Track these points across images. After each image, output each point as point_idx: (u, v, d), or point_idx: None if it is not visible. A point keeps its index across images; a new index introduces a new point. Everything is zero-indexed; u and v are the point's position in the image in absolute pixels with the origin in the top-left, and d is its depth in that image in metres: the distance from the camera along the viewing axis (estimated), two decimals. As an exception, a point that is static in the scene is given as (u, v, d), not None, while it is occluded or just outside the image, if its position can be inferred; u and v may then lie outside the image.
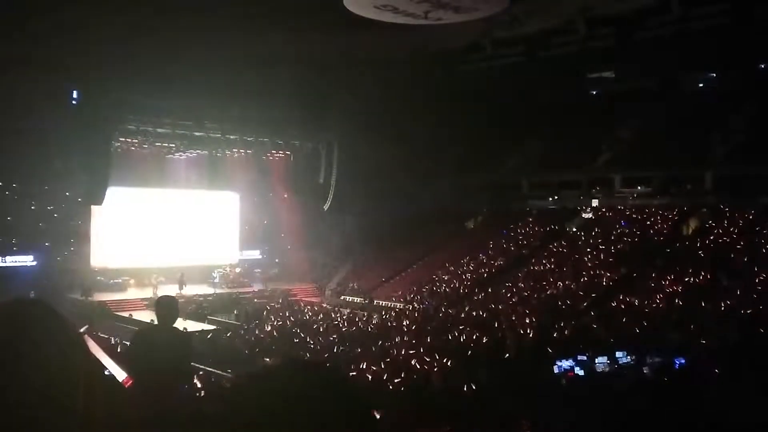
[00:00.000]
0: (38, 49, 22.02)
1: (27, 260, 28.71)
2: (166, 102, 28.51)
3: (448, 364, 13.10)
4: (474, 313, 22.20)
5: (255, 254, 36.63)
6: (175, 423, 2.18)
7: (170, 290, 28.69)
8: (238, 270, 33.76)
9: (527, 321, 19.65)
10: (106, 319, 24.11)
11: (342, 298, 30.37)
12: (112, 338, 16.22)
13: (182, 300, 28.04)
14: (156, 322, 3.86)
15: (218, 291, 30.37)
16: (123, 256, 31.19)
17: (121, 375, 3.31)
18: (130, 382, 3.23)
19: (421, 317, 22.27)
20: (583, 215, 31.22)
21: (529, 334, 17.38)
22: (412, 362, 13.68)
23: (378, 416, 5.67)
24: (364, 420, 0.94)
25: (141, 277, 30.59)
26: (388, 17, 19.35)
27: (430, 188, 31.60)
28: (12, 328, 1.08)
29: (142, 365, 3.43)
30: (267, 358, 15.28)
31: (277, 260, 36.38)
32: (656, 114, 30.08)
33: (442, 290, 27.73)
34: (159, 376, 3.30)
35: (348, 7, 18.38)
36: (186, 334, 3.59)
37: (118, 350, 12.33)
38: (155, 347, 3.48)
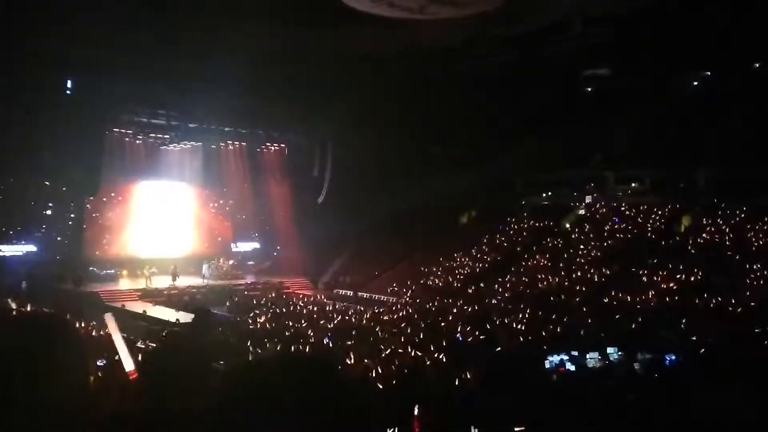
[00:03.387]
0: (33, 39, 21.89)
1: (19, 251, 28.59)
2: (160, 93, 28.39)
3: (440, 358, 13.12)
4: (466, 308, 22.26)
5: (248, 247, 36.63)
6: (171, 416, 2.18)
7: (163, 282, 28.77)
8: (231, 262, 33.68)
9: (519, 316, 19.73)
10: (97, 309, 24.01)
11: (335, 291, 30.37)
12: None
13: (174, 291, 28.02)
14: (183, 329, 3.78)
15: (211, 283, 30.30)
16: (116, 247, 31.12)
17: (129, 365, 3.29)
18: (135, 375, 3.20)
19: (414, 311, 22.29)
20: (577, 212, 31.31)
21: (521, 329, 17.44)
22: (404, 356, 13.69)
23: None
24: (354, 412, 0.95)
25: (134, 268, 30.49)
26: (384, 11, 19.36)
27: (424, 183, 31.58)
28: (30, 340, 1.10)
29: (157, 372, 3.36)
30: (259, 350, 15.24)
31: (270, 253, 36.35)
32: (650, 113, 30.09)
33: (435, 285, 27.77)
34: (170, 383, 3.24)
35: (345, 1, 18.38)
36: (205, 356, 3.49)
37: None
38: (174, 356, 3.40)
